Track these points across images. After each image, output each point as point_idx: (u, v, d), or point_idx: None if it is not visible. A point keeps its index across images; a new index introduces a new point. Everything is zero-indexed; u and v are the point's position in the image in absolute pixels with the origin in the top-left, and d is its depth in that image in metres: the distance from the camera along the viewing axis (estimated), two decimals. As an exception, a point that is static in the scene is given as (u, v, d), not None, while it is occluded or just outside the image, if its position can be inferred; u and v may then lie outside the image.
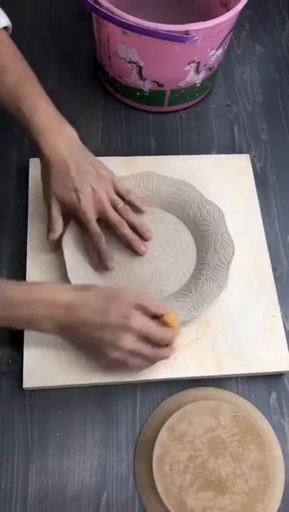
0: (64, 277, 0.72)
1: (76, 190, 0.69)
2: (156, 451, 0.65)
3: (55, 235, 0.72)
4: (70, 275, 0.71)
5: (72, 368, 0.69)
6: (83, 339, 0.63)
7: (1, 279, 0.68)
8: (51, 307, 0.61)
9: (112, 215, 0.72)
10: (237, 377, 0.72)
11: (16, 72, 0.71)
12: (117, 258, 0.75)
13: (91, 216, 0.71)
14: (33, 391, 0.69)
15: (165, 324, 0.63)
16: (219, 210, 0.77)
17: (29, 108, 0.69)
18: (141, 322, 0.61)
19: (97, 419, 0.69)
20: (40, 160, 0.71)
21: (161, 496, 0.63)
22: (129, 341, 0.61)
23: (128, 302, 0.62)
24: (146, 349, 0.62)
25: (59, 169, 0.69)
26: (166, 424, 0.66)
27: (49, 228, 0.72)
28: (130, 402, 0.70)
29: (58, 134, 0.69)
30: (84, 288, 0.63)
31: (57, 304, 0.61)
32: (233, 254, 0.74)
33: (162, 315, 0.63)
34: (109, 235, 0.75)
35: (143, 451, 0.67)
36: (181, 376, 0.70)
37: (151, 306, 0.63)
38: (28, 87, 0.71)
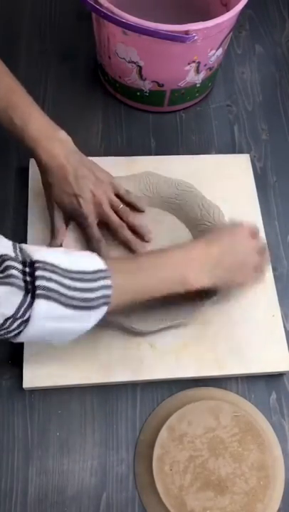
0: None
1: (76, 196, 0.70)
2: (156, 451, 0.65)
3: (58, 243, 0.72)
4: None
5: (72, 368, 0.69)
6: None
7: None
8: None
9: (113, 218, 0.73)
10: (237, 377, 0.72)
11: (4, 85, 0.71)
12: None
13: (92, 221, 0.71)
14: (33, 391, 0.69)
15: None
16: (219, 210, 0.77)
17: (21, 118, 0.69)
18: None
19: (97, 419, 0.69)
20: (38, 167, 0.71)
21: (161, 496, 0.63)
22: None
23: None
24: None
25: (57, 175, 0.70)
26: (166, 424, 0.66)
27: (52, 236, 0.73)
28: (130, 402, 0.70)
29: (53, 140, 0.69)
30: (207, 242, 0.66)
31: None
32: (233, 254, 0.74)
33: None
34: (110, 236, 0.75)
35: (143, 451, 0.67)
36: (181, 376, 0.70)
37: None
38: (18, 98, 0.70)
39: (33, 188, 0.80)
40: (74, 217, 0.73)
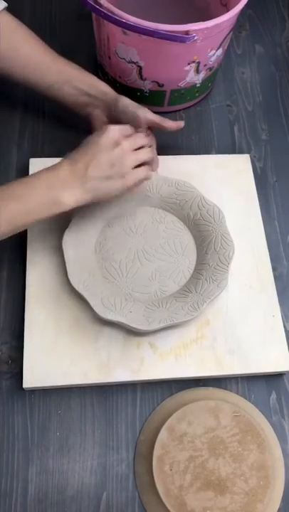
0: (64, 277, 0.72)
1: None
2: (156, 451, 0.65)
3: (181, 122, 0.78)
4: (70, 275, 0.71)
5: (72, 367, 0.69)
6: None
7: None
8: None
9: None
10: (237, 377, 0.72)
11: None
12: (117, 258, 0.75)
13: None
14: (33, 391, 0.69)
15: None
16: (219, 210, 0.77)
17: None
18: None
19: (97, 419, 0.69)
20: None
21: (161, 496, 0.63)
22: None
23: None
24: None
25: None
26: (166, 424, 0.66)
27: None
28: (130, 402, 0.70)
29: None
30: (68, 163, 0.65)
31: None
32: (233, 254, 0.74)
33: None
34: (113, 238, 0.76)
35: (143, 451, 0.67)
36: (181, 376, 0.70)
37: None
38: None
39: (33, 188, 0.80)
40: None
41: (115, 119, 0.78)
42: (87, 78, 0.78)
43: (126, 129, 0.69)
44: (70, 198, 0.63)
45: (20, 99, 0.91)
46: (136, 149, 0.69)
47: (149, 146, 0.74)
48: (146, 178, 0.71)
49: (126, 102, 0.76)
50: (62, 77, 0.77)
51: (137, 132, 0.72)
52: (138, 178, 0.69)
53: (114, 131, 0.67)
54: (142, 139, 0.71)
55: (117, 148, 0.66)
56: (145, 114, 0.76)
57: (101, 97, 0.78)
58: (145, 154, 0.70)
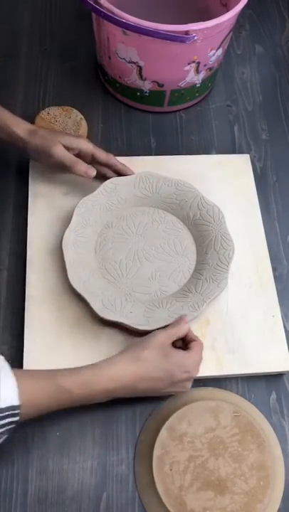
0: (64, 277, 0.72)
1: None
2: (156, 451, 0.65)
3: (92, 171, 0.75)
4: (70, 275, 0.71)
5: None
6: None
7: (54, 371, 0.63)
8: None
9: (99, 152, 0.77)
10: (237, 377, 0.72)
11: None
12: (117, 258, 0.75)
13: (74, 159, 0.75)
14: (33, 391, 0.69)
15: None
16: (219, 210, 0.77)
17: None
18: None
19: (97, 419, 0.69)
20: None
21: (161, 496, 0.63)
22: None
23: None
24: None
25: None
26: (166, 424, 0.66)
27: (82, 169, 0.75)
28: (130, 402, 0.70)
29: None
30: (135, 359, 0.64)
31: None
32: (233, 254, 0.74)
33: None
34: (113, 238, 0.76)
35: (143, 451, 0.67)
36: (181, 376, 0.70)
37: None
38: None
39: (33, 188, 0.80)
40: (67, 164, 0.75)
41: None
42: (2, 118, 0.74)
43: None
44: (123, 396, 0.64)
45: (20, 99, 0.91)
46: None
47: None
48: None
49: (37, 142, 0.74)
50: None
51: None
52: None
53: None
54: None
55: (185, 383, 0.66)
56: (79, 144, 0.75)
57: (10, 141, 0.75)
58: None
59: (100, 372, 0.61)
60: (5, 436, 0.56)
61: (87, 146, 0.76)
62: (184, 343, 0.69)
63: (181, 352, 0.66)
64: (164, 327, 0.69)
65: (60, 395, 0.59)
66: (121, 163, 0.79)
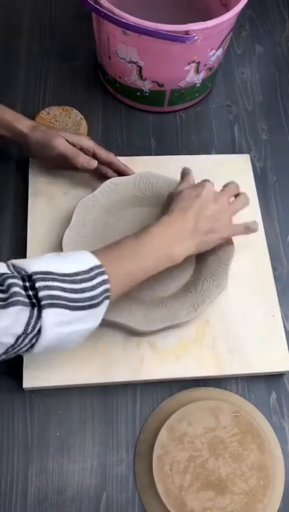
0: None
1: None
2: (156, 452, 0.65)
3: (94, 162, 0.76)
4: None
5: (72, 368, 0.69)
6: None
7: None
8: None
9: (100, 150, 0.78)
10: (237, 377, 0.72)
11: None
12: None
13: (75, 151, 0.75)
14: (33, 391, 0.69)
15: None
16: None
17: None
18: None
19: (97, 419, 0.69)
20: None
21: (161, 496, 0.63)
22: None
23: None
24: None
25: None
26: (166, 424, 0.66)
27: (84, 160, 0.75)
28: (130, 402, 0.70)
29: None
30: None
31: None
32: (233, 254, 0.74)
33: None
34: (113, 238, 0.76)
35: (143, 451, 0.67)
36: (181, 376, 0.70)
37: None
38: None
39: (33, 188, 0.80)
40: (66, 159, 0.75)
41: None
42: (3, 117, 0.75)
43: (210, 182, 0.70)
44: (181, 251, 0.65)
45: (20, 99, 0.91)
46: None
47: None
48: (246, 232, 0.73)
49: (37, 136, 0.74)
50: None
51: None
52: (234, 233, 0.72)
53: (210, 186, 0.69)
54: (234, 188, 0.73)
55: (217, 204, 0.68)
56: (80, 141, 0.76)
57: (12, 138, 0.76)
58: (240, 204, 0.72)
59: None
60: (106, 304, 0.57)
61: (88, 143, 0.76)
62: None
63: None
64: (164, 328, 0.70)
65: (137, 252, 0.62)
66: (122, 163, 0.79)
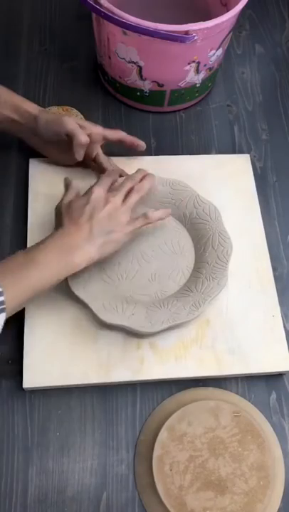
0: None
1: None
2: (156, 452, 0.65)
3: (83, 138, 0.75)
4: (69, 279, 0.71)
5: (72, 367, 0.69)
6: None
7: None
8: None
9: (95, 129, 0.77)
10: (237, 377, 0.72)
11: None
12: (116, 260, 0.75)
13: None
14: (33, 391, 0.69)
15: None
16: (215, 208, 0.77)
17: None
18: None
19: (97, 419, 0.69)
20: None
21: (161, 496, 0.63)
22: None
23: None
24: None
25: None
26: (166, 424, 0.66)
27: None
28: (130, 402, 0.70)
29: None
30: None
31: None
32: (231, 251, 0.74)
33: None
34: None
35: (143, 451, 0.67)
36: (181, 376, 0.70)
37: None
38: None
39: (33, 188, 0.80)
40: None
41: (46, 144, 0.78)
42: (12, 100, 0.76)
43: (106, 181, 0.70)
44: (81, 258, 0.65)
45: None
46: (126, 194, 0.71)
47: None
48: (147, 221, 0.72)
49: (46, 117, 0.74)
50: None
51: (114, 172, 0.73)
52: (136, 226, 0.70)
53: (98, 190, 0.68)
54: (127, 183, 0.71)
55: (108, 206, 0.68)
56: (90, 128, 0.76)
57: (22, 121, 0.76)
58: (135, 198, 0.71)
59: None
60: (1, 317, 0.57)
61: (96, 128, 0.77)
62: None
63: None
64: (167, 329, 0.70)
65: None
66: (130, 136, 0.80)
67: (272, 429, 0.70)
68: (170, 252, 0.77)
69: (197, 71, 0.83)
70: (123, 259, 0.76)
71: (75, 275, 0.71)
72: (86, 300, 0.69)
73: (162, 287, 0.74)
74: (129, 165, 0.82)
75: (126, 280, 0.74)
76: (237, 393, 0.71)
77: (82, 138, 0.73)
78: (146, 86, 0.85)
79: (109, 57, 0.84)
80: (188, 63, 0.81)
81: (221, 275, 0.72)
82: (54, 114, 0.75)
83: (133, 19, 0.72)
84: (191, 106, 0.93)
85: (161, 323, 0.69)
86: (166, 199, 0.79)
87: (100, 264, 0.75)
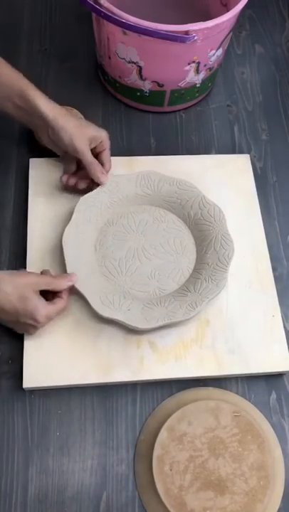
0: (64, 277, 0.72)
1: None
2: (156, 452, 0.65)
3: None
4: (69, 272, 0.71)
5: (72, 368, 0.69)
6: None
7: None
8: None
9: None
10: (237, 377, 0.72)
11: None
12: (117, 256, 0.75)
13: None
14: (33, 391, 0.69)
15: None
16: (220, 210, 0.77)
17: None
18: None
19: (97, 419, 0.69)
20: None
21: (161, 496, 0.63)
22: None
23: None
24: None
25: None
26: (166, 424, 0.66)
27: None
28: (130, 402, 0.70)
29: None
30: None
31: None
32: (232, 254, 0.74)
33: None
34: (113, 236, 0.77)
35: (143, 451, 0.67)
36: (181, 376, 0.70)
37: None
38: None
39: (33, 188, 0.80)
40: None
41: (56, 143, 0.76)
42: (32, 95, 0.75)
43: (56, 313, 0.69)
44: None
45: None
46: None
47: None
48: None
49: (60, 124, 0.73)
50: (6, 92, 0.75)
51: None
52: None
53: (44, 322, 0.67)
54: (61, 306, 0.69)
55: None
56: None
57: (37, 120, 0.75)
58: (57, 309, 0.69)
59: None
60: None
61: (106, 143, 0.77)
62: (52, 295, 0.69)
63: (41, 300, 0.67)
64: (162, 326, 0.70)
65: None
66: (103, 166, 0.78)
67: (272, 429, 0.70)
68: (172, 251, 0.77)
69: (197, 71, 0.83)
70: (124, 256, 0.76)
71: (75, 269, 0.71)
72: (84, 293, 0.69)
73: (161, 285, 0.74)
74: (130, 165, 0.82)
75: (125, 276, 0.74)
76: (237, 393, 0.71)
77: (103, 179, 0.76)
78: (146, 86, 0.85)
79: (109, 57, 0.84)
80: (188, 63, 0.81)
81: (220, 277, 0.72)
82: (67, 126, 0.73)
83: (133, 19, 0.72)
84: (191, 106, 0.93)
85: (157, 321, 0.69)
86: (171, 198, 0.79)
87: (101, 260, 0.75)
